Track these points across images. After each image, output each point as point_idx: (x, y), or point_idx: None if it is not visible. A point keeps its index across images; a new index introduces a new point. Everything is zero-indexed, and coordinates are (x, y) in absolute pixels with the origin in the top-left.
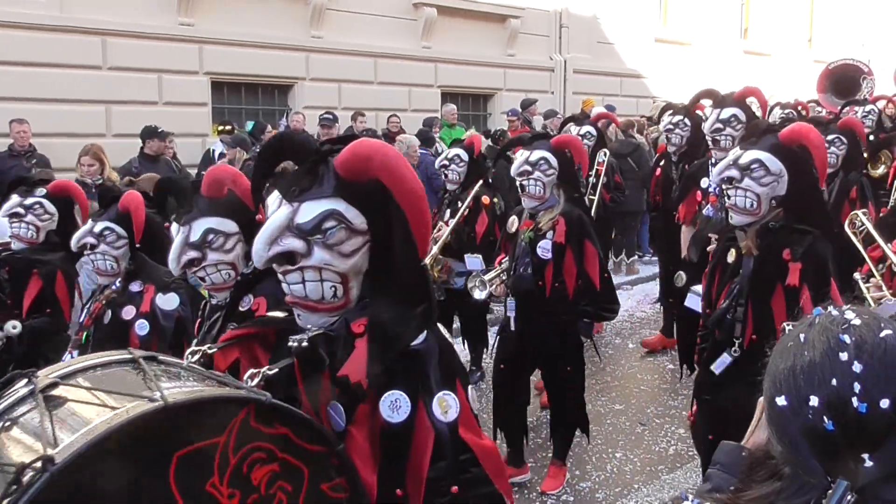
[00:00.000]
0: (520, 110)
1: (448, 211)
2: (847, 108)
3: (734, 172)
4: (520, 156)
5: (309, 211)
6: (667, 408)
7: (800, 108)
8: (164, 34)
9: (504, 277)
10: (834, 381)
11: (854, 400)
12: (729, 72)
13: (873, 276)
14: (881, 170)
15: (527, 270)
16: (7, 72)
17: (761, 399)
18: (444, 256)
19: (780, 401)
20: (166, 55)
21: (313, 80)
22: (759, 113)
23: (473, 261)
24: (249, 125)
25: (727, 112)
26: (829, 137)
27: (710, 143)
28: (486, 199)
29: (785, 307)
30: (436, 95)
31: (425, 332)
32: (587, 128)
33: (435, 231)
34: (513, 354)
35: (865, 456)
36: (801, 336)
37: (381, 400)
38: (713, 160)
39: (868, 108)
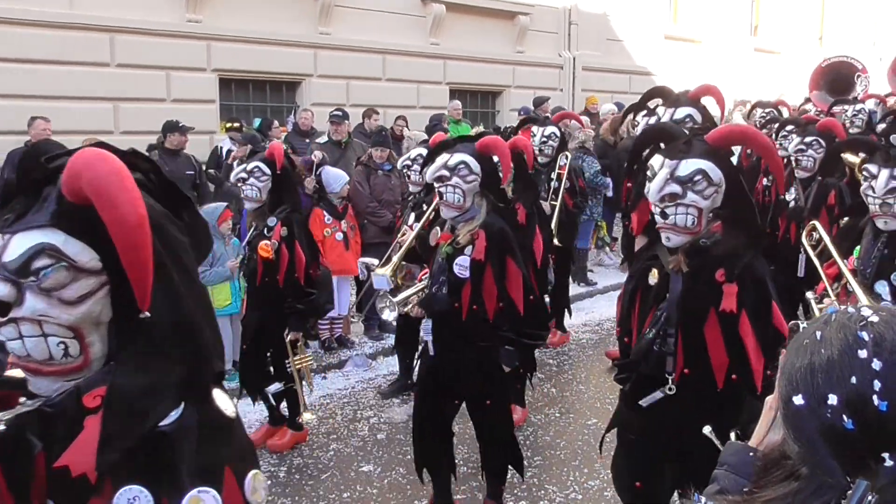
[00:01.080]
0: (531, 108)
1: (413, 214)
2: (836, 106)
3: (675, 188)
4: (439, 159)
5: (17, 246)
6: None
7: (781, 107)
8: (172, 31)
9: (422, 296)
10: (853, 379)
11: (874, 398)
12: (739, 69)
13: (828, 295)
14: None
15: (442, 290)
16: (15, 69)
17: (769, 398)
18: (407, 262)
19: (798, 400)
20: (174, 52)
21: (321, 77)
22: (719, 114)
23: (380, 280)
24: (257, 122)
25: (682, 112)
26: (808, 140)
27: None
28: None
29: (721, 336)
30: (444, 92)
31: (181, 406)
32: (551, 129)
33: (399, 235)
34: (433, 383)
35: (886, 455)
36: (818, 333)
37: (115, 496)
38: None
39: (858, 107)
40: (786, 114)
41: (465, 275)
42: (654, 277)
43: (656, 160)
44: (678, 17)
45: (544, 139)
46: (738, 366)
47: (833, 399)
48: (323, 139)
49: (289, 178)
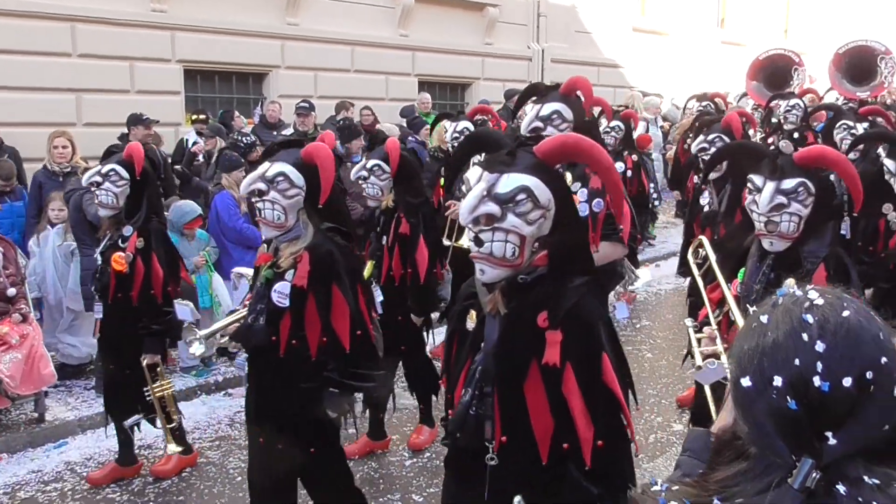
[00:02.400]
0: (503, 100)
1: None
2: (774, 101)
3: (493, 208)
4: (259, 169)
5: None
6: (646, 396)
7: (717, 100)
8: (136, 20)
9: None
10: (797, 361)
11: (816, 379)
12: (706, 62)
13: (709, 323)
14: None
15: (259, 320)
16: None
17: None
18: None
19: (745, 381)
20: (138, 42)
21: (289, 69)
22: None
23: (183, 309)
24: (220, 115)
25: (549, 108)
26: (710, 137)
27: None
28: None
29: (544, 395)
30: (413, 84)
31: None
32: (464, 124)
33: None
34: (255, 425)
35: (829, 434)
36: (765, 317)
37: None
38: None
39: (793, 101)
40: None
41: (285, 303)
42: (471, 321)
43: (473, 172)
44: (646, 9)
45: (456, 135)
46: (566, 433)
47: (778, 381)
48: (289, 131)
49: (149, 183)
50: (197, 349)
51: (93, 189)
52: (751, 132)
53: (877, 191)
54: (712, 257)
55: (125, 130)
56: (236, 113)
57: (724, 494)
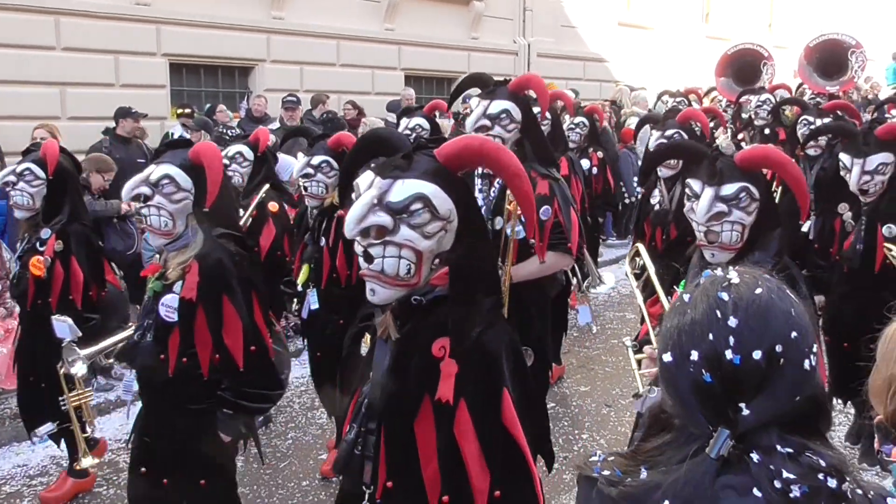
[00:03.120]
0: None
1: None
2: (743, 97)
3: (384, 218)
4: (143, 172)
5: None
6: (632, 389)
7: (691, 96)
8: (120, 14)
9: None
10: (710, 336)
11: (728, 353)
12: (691, 56)
13: (650, 341)
14: None
15: (146, 336)
16: None
17: None
18: None
19: (667, 357)
20: (122, 36)
21: (275, 62)
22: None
23: (61, 326)
24: (207, 108)
25: (497, 106)
26: (668, 133)
27: None
28: (273, 206)
29: (434, 437)
30: (399, 78)
31: None
32: (417, 120)
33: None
34: (145, 454)
35: (743, 406)
36: (686, 296)
37: None
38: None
39: (764, 97)
40: (696, 102)
41: (173, 318)
42: (366, 345)
43: (364, 178)
44: (631, 3)
45: (408, 132)
46: (455, 482)
47: (694, 355)
48: (275, 125)
49: (66, 183)
50: (79, 369)
51: (7, 189)
52: (719, 129)
53: (838, 188)
54: (650, 267)
55: (110, 124)
56: (221, 106)
57: (649, 463)
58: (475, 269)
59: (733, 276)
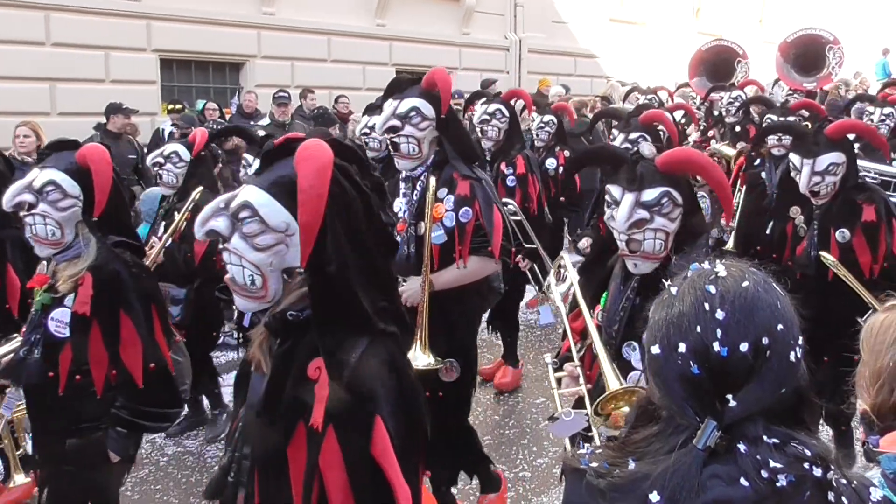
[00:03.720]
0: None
1: (163, 224)
2: (714, 93)
3: (220, 223)
4: (27, 177)
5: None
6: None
7: (660, 92)
8: (111, 9)
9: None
10: (698, 329)
11: (716, 345)
12: (682, 52)
13: (571, 358)
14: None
15: (33, 352)
16: None
17: None
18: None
19: (655, 349)
20: (113, 31)
21: (265, 58)
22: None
23: None
24: (200, 104)
25: (407, 104)
26: (632, 136)
27: (478, 133)
28: None
29: (304, 466)
30: (390, 74)
31: None
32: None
33: (147, 248)
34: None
35: (729, 397)
36: (674, 289)
37: None
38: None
39: (735, 93)
40: (666, 98)
41: (64, 333)
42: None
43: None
44: None
45: (366, 130)
46: None
47: (682, 347)
48: (266, 121)
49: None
50: None
51: None
52: (691, 126)
53: (793, 190)
54: (574, 279)
55: (100, 120)
56: (212, 105)
57: (637, 454)
58: (338, 296)
59: (720, 269)
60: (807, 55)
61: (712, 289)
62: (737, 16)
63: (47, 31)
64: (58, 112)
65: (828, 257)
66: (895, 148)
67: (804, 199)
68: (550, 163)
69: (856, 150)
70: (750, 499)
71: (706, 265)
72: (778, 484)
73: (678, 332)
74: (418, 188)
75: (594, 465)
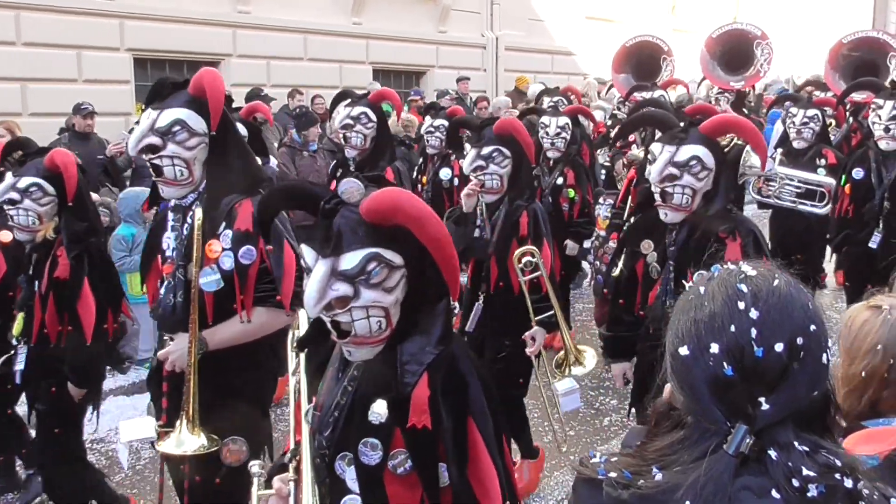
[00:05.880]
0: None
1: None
2: (635, 93)
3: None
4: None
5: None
6: (600, 380)
7: (570, 94)
8: (83, 8)
9: None
10: (732, 328)
11: (752, 345)
12: None
13: (286, 467)
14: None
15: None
16: None
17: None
18: None
19: (683, 350)
20: (85, 30)
21: (241, 57)
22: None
23: None
24: None
25: (358, 110)
26: (485, 151)
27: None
28: (5, 236)
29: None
30: (367, 72)
31: None
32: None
33: None
34: None
35: (762, 400)
36: (701, 289)
37: None
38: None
39: (658, 93)
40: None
41: None
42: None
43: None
44: None
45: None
46: None
47: (714, 347)
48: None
49: None
50: None
51: None
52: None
53: (647, 213)
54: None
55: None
56: None
57: (662, 463)
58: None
59: (747, 268)
60: (733, 52)
61: (744, 287)
62: (712, 12)
63: (18, 30)
64: (29, 112)
65: None
66: (819, 154)
67: (659, 227)
68: (445, 173)
69: (778, 158)
70: None
71: (731, 265)
72: (809, 494)
73: (710, 332)
74: (188, 221)
75: (613, 475)
